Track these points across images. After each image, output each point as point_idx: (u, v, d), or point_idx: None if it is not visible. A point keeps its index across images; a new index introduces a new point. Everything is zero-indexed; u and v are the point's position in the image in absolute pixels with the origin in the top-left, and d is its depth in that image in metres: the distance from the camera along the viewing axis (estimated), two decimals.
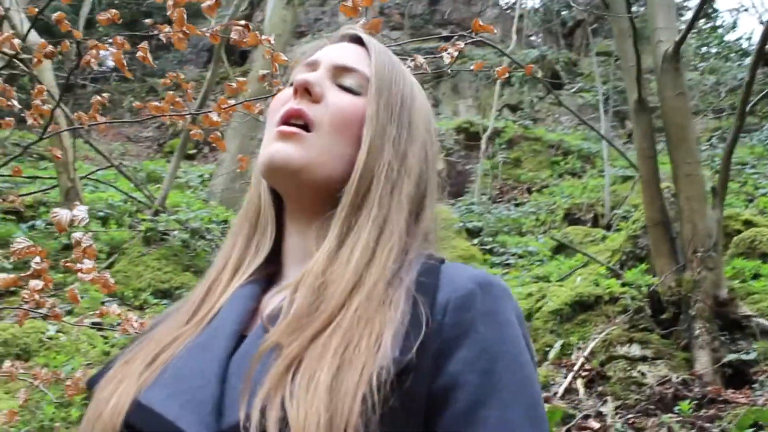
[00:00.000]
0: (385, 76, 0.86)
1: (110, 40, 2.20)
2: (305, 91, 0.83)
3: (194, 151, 13.04)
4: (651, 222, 5.34)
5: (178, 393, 0.69)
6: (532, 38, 18.43)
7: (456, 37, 2.29)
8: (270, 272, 0.86)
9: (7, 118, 2.33)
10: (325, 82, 0.85)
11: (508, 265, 8.32)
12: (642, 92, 5.50)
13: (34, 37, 4.87)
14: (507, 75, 2.69)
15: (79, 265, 1.91)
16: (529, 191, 11.31)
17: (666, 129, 5.32)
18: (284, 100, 0.86)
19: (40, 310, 1.99)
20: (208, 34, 2.09)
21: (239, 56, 14.96)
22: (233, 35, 1.97)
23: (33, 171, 8.96)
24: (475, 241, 9.00)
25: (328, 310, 0.71)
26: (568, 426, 3.70)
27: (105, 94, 2.45)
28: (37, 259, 1.90)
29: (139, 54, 2.20)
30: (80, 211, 1.80)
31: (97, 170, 6.17)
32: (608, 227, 9.02)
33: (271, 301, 0.79)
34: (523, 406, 0.70)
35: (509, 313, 0.75)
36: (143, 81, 14.80)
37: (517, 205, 10.76)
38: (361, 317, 0.69)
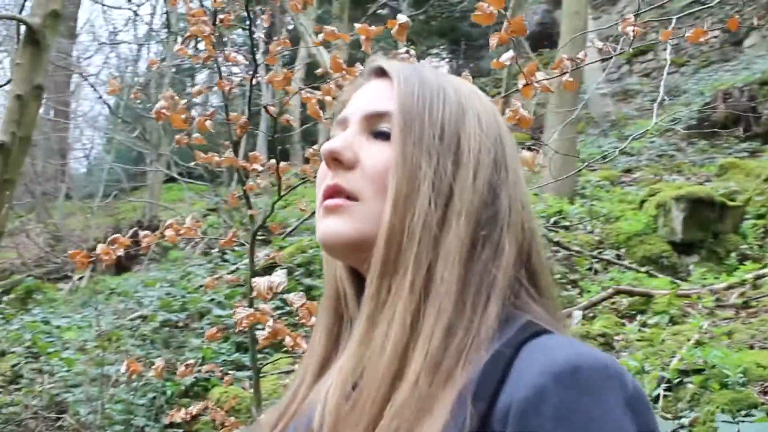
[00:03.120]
0: (412, 107, 0.72)
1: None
2: (335, 161, 0.73)
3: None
4: None
5: None
6: None
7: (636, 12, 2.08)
8: None
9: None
10: (356, 140, 0.74)
11: None
12: None
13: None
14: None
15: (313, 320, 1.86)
16: None
17: None
18: (325, 171, 0.77)
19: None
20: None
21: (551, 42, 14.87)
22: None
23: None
24: None
25: (366, 414, 0.60)
26: None
27: None
28: (270, 321, 1.97)
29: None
30: (278, 277, 1.81)
31: None
32: None
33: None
34: None
35: (605, 405, 0.55)
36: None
37: None
38: (400, 428, 0.59)
